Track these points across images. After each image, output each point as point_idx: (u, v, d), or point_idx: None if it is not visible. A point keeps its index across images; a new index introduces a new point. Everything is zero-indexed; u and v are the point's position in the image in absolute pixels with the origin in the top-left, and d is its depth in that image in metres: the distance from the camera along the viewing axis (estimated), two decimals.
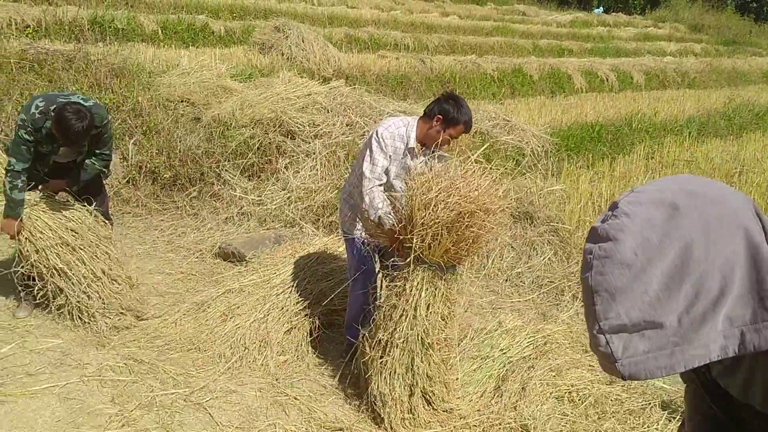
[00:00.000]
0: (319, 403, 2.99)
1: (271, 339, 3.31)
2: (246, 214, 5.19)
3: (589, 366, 3.28)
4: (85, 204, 3.53)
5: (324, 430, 2.81)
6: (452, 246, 2.55)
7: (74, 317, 3.40)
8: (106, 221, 3.63)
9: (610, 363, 0.79)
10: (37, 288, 3.39)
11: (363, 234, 3.09)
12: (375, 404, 2.83)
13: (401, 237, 2.65)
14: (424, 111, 2.98)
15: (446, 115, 2.88)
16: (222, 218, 5.18)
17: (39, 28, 7.89)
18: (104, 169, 3.62)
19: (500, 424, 2.86)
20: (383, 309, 2.81)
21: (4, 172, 3.27)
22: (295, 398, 3.00)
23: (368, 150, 2.93)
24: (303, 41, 9.37)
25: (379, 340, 2.79)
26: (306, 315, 3.47)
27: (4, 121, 5.18)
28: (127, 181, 5.46)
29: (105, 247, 3.54)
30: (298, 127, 5.67)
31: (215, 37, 10.29)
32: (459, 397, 3.00)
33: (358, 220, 3.11)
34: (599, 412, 2.97)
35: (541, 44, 17.04)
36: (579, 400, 3.05)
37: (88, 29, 8.29)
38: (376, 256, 3.18)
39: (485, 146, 4.50)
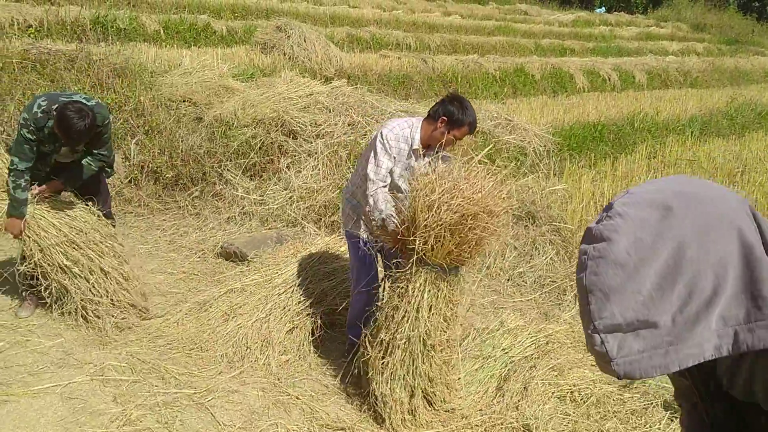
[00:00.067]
0: (321, 403, 2.99)
1: (273, 338, 3.32)
2: (248, 214, 5.20)
3: (591, 366, 3.27)
4: (88, 204, 3.53)
5: (326, 429, 2.81)
6: (455, 248, 2.54)
7: (78, 316, 3.40)
8: (109, 220, 3.64)
9: (605, 362, 0.80)
10: (40, 287, 3.39)
11: (366, 234, 3.09)
12: (376, 405, 2.83)
13: (404, 238, 2.64)
14: (428, 112, 2.96)
15: (451, 116, 2.87)
16: (224, 218, 5.19)
17: (41, 28, 7.91)
18: (107, 169, 3.63)
19: (502, 424, 2.86)
20: (385, 310, 2.80)
21: (6, 171, 3.28)
22: (297, 398, 3.00)
23: (372, 151, 2.92)
24: (305, 41, 9.38)
25: (381, 341, 2.78)
26: (308, 315, 3.47)
27: (6, 121, 5.19)
28: (129, 181, 5.48)
29: (111, 243, 3.55)
30: (300, 127, 5.67)
31: (217, 37, 10.30)
32: (461, 397, 3.00)
33: (360, 219, 3.11)
34: (601, 412, 2.96)
35: (543, 44, 17.04)
36: (581, 399, 3.05)
37: (91, 29, 8.29)
38: (379, 256, 3.18)
39: (489, 147, 4.48)
